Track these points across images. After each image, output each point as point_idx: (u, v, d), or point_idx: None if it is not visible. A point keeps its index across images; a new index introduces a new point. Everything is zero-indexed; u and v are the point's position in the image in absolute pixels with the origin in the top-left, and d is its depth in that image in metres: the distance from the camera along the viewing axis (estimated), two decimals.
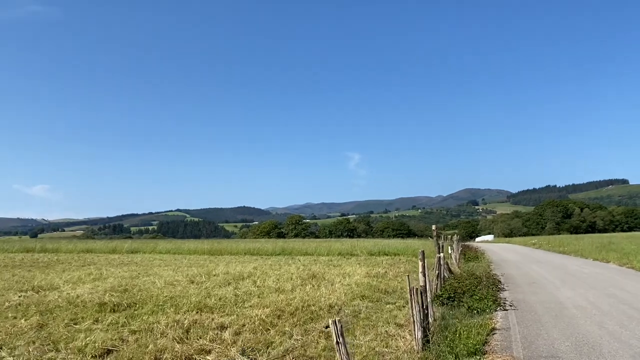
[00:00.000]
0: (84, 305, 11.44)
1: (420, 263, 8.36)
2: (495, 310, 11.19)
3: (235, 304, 11.45)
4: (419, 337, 7.69)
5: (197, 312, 10.73)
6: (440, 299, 11.90)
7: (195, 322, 9.68)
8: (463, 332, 8.24)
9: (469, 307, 11.16)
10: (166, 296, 12.54)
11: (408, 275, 8.06)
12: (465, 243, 57.47)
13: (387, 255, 30.59)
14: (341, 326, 4.81)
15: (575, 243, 41.22)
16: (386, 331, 9.21)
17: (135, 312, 10.92)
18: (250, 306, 11.16)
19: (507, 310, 11.21)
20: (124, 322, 9.77)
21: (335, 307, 11.33)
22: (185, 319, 9.87)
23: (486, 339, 8.44)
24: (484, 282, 14.34)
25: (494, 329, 9.22)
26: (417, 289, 8.02)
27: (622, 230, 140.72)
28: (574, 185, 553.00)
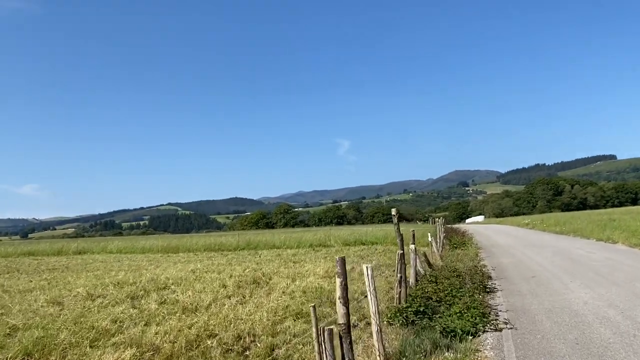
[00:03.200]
0: None
1: (338, 281, 4.62)
2: (484, 331, 7.54)
3: (96, 340, 7.67)
4: None
5: (25, 357, 6.96)
6: (405, 314, 8.20)
7: None
8: None
9: (444, 328, 7.48)
10: (11, 328, 8.71)
11: (314, 306, 4.33)
12: (453, 226, 53.82)
13: (363, 244, 26.99)
14: None
15: (572, 221, 37.94)
16: None
17: None
18: (114, 344, 7.38)
19: (500, 330, 7.54)
20: None
21: (247, 338, 7.60)
22: None
23: None
24: (469, 283, 10.68)
25: None
26: (330, 330, 4.31)
27: (614, 206, 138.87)
28: (562, 162, 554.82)
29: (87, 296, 12.30)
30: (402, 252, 8.69)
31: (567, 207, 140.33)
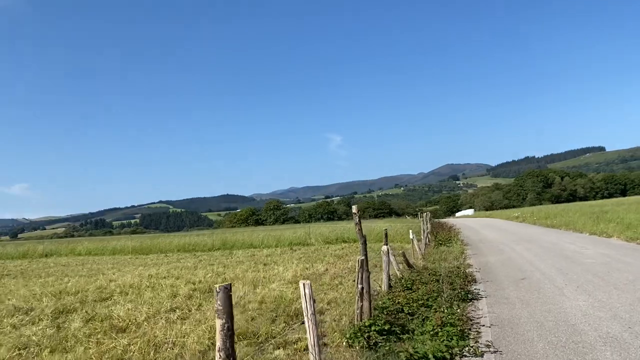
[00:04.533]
0: None
1: (219, 323, 3.06)
2: (462, 356, 6.07)
3: None
4: None
5: None
6: (367, 334, 6.71)
7: None
8: None
9: (411, 354, 5.99)
10: None
11: None
12: (441, 220, 52.59)
13: (345, 242, 25.53)
14: None
15: (563, 214, 36.80)
16: None
17: None
18: None
19: (481, 356, 6.07)
20: None
21: None
22: None
23: None
24: (448, 290, 9.20)
25: None
26: None
27: (603, 197, 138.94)
28: (552, 155, 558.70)
29: (13, 310, 10.69)
30: (363, 257, 7.19)
31: (557, 199, 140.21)
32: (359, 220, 7.36)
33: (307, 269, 15.42)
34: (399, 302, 8.30)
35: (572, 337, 6.42)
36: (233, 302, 9.54)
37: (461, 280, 10.79)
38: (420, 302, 8.40)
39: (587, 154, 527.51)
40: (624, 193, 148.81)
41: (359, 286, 7.00)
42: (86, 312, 9.82)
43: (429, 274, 11.42)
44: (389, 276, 10.00)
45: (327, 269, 15.26)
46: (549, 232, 25.37)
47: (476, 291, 10.02)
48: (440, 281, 10.01)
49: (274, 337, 7.45)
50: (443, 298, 8.43)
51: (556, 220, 31.37)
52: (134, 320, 8.80)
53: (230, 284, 3.13)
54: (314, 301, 4.91)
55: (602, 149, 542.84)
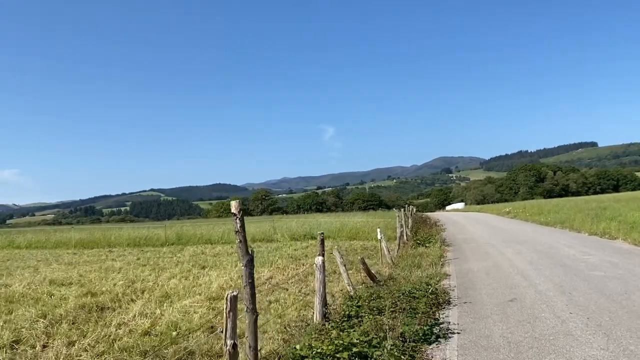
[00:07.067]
0: None
1: None
2: None
3: None
4: None
5: None
6: None
7: None
8: None
9: None
10: None
11: None
12: (429, 214, 49.82)
13: (313, 239, 22.61)
14: None
15: (557, 210, 34.13)
16: None
17: None
18: None
19: None
20: None
21: None
22: None
23: None
24: (403, 327, 6.27)
25: None
26: None
27: (595, 193, 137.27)
28: (545, 149, 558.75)
29: None
30: (235, 293, 4.27)
31: (549, 194, 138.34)
32: (242, 226, 4.39)
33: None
34: (320, 351, 5.38)
35: None
36: (106, 333, 6.25)
37: (429, 301, 7.93)
38: (355, 349, 5.50)
39: (580, 149, 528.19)
40: (616, 189, 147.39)
41: (229, 342, 4.06)
42: None
43: (388, 292, 8.52)
44: (323, 301, 7.09)
45: (271, 276, 12.39)
46: (542, 231, 22.64)
47: (446, 323, 7.15)
48: (395, 308, 7.09)
49: None
50: (387, 347, 5.47)
51: (550, 217, 28.65)
52: None
53: None
54: None
55: (594, 144, 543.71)
